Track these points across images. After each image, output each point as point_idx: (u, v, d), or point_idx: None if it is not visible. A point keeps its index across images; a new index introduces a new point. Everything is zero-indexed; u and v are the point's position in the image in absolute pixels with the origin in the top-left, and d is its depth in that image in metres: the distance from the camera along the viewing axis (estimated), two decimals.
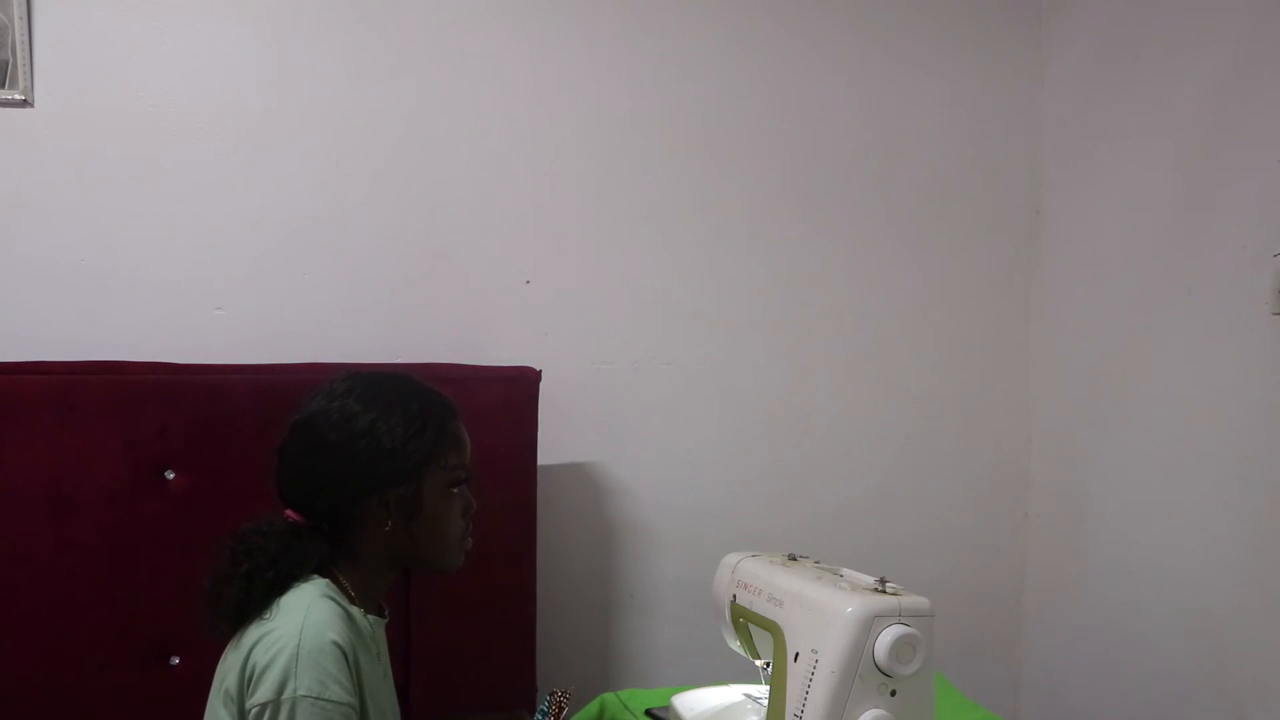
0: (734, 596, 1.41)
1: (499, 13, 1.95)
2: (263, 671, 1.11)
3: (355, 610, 1.22)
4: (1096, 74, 2.05)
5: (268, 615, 1.17)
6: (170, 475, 1.63)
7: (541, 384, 1.82)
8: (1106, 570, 1.98)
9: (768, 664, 1.34)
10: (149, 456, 1.61)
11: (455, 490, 1.28)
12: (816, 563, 1.41)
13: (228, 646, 1.21)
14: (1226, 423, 1.72)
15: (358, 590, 1.24)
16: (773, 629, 1.30)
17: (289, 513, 1.25)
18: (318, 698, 1.10)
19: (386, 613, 1.34)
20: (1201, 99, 1.79)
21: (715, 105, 2.05)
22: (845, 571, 1.32)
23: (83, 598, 1.59)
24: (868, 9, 2.12)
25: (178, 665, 1.62)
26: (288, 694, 1.10)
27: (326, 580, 1.21)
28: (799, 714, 1.20)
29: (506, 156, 1.96)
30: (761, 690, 1.43)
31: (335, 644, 1.13)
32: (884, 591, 1.22)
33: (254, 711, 1.11)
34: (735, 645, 1.47)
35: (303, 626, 1.13)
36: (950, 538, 2.18)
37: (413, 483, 1.24)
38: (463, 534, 1.31)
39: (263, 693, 1.11)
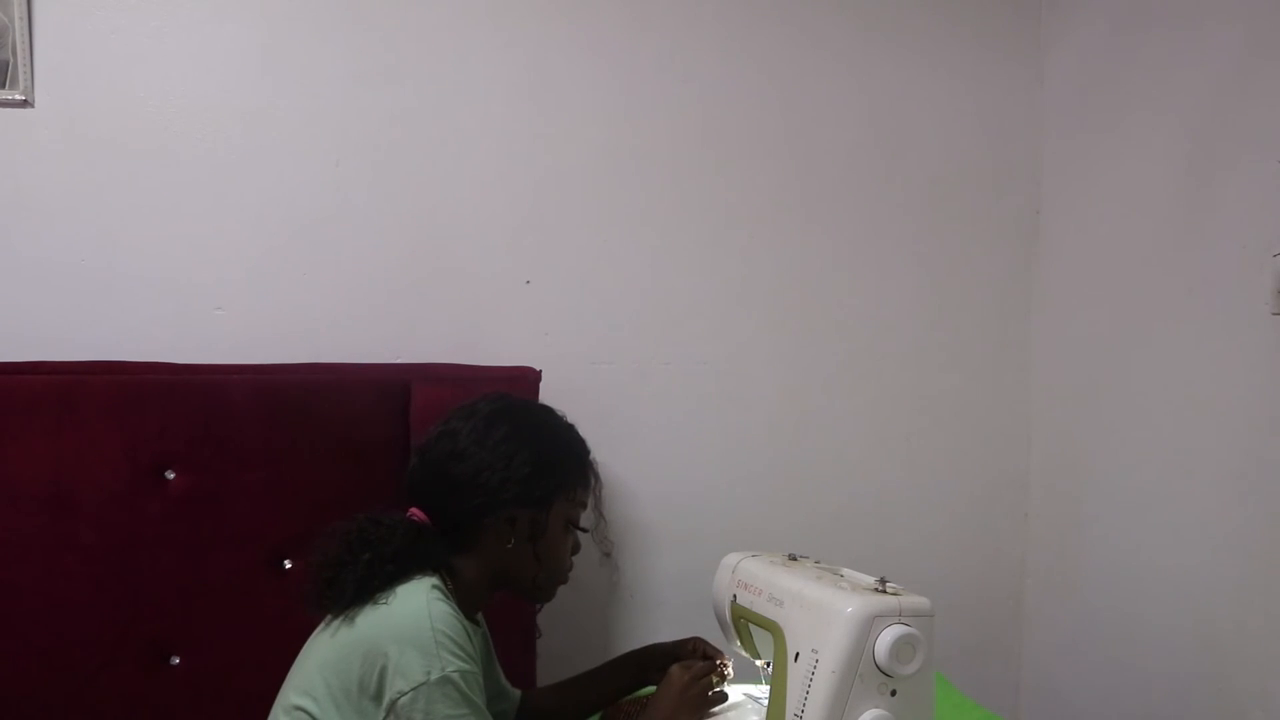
0: (734, 596, 1.41)
1: (497, 14, 1.95)
2: (398, 661, 1.15)
3: (460, 614, 1.25)
4: (1096, 73, 2.05)
5: (385, 600, 1.20)
6: (170, 475, 1.63)
7: (541, 384, 1.82)
8: (1106, 571, 1.98)
9: (768, 664, 1.34)
10: (149, 456, 1.61)
11: (572, 527, 1.34)
12: (817, 563, 1.41)
13: (322, 629, 1.24)
14: (1226, 423, 1.72)
15: (458, 597, 1.26)
16: (773, 629, 1.30)
17: (415, 511, 1.29)
18: (463, 668, 1.16)
19: (481, 624, 1.38)
20: (1201, 99, 1.79)
21: (715, 106, 2.05)
22: (845, 571, 1.32)
23: (83, 598, 1.59)
24: (868, 9, 2.12)
25: (178, 665, 1.62)
26: (436, 673, 1.14)
27: (436, 580, 1.23)
28: (799, 714, 1.20)
29: (506, 156, 1.96)
30: (761, 690, 1.43)
31: (461, 626, 1.19)
32: (884, 591, 1.22)
33: (402, 700, 1.14)
34: (735, 645, 1.47)
35: (429, 613, 1.17)
36: (950, 538, 2.18)
37: (542, 508, 1.30)
38: (568, 569, 1.37)
39: (410, 678, 1.14)
